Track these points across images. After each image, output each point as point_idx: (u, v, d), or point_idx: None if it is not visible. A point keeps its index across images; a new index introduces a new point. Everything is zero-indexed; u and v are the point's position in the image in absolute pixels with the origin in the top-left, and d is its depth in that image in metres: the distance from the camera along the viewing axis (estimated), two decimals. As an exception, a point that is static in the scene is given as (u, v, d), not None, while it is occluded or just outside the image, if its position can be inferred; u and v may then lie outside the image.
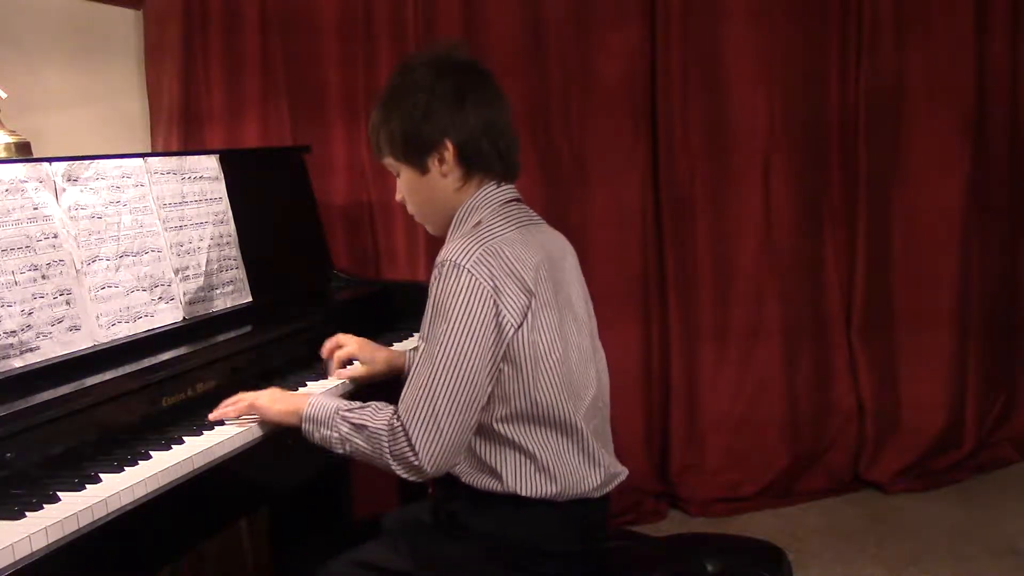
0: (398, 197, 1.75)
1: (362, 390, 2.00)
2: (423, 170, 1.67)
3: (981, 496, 3.27)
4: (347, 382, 2.01)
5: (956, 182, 3.34)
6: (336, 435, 1.61)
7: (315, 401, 1.65)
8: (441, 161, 1.65)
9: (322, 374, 2.05)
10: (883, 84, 3.28)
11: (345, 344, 2.01)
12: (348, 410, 1.61)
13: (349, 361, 2.05)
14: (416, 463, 1.54)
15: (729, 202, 3.26)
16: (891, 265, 3.38)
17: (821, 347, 3.37)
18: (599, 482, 1.67)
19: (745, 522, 3.18)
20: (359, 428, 1.59)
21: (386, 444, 1.55)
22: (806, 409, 3.37)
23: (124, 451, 1.58)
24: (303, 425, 1.65)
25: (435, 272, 1.58)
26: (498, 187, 1.68)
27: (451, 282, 1.54)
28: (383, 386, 2.02)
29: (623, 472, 1.74)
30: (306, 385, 1.98)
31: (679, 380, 3.30)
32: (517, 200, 1.71)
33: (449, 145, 1.63)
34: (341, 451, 1.62)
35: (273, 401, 1.71)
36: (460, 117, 1.62)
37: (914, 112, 3.31)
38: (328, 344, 2.02)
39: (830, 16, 3.25)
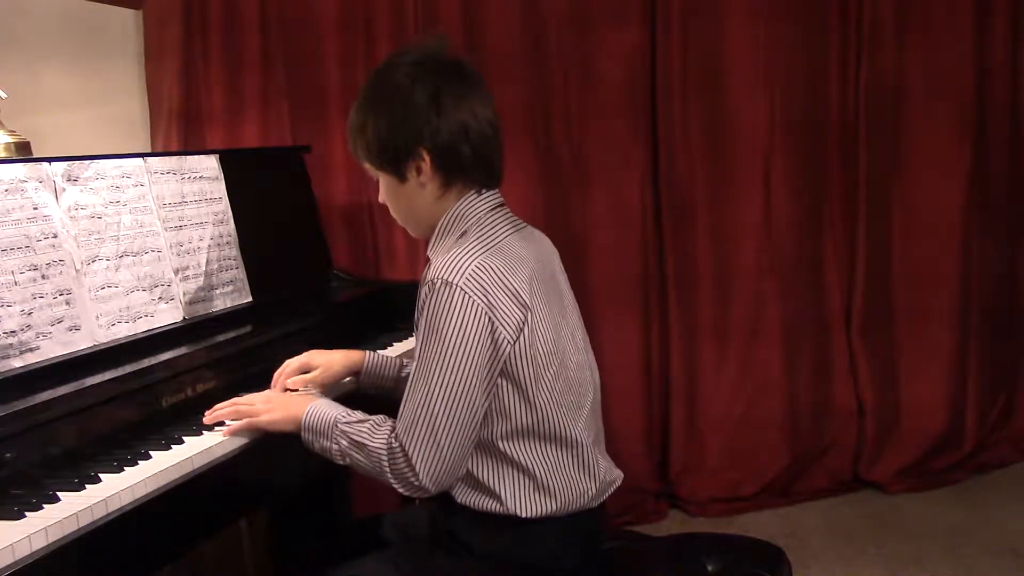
0: (381, 199, 1.71)
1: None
2: (401, 179, 1.62)
3: (981, 496, 3.27)
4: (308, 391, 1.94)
5: (956, 182, 3.34)
6: (336, 448, 1.60)
7: (314, 410, 1.63)
8: (419, 171, 1.60)
9: None
10: (883, 84, 3.28)
11: (291, 362, 1.88)
12: (347, 423, 1.59)
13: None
14: (416, 482, 1.53)
15: (729, 202, 3.26)
16: (891, 265, 3.38)
17: (821, 347, 3.37)
18: (595, 492, 1.66)
19: (745, 522, 3.18)
20: (359, 445, 1.57)
21: (386, 464, 1.54)
22: (806, 409, 3.37)
23: (124, 451, 1.58)
24: (303, 434, 1.63)
25: (425, 289, 1.53)
26: (479, 195, 1.63)
27: (443, 301, 1.50)
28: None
29: (619, 477, 1.73)
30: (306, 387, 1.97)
31: (679, 380, 3.30)
32: (501, 206, 1.66)
33: (425, 155, 1.58)
34: (341, 463, 1.61)
35: (269, 409, 1.67)
36: (436, 124, 1.56)
37: (914, 112, 3.30)
38: (279, 376, 1.88)
39: (830, 16, 3.25)
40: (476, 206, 1.62)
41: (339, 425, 1.60)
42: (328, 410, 1.63)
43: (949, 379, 3.41)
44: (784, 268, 3.30)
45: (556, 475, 1.60)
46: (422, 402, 1.51)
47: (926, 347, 3.39)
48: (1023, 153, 3.45)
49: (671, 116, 3.21)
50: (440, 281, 1.51)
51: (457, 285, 1.50)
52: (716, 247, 3.27)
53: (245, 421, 1.68)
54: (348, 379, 1.95)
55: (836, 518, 3.18)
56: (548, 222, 2.99)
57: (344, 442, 1.59)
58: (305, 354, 1.90)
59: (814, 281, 3.35)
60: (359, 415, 1.61)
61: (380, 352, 2.01)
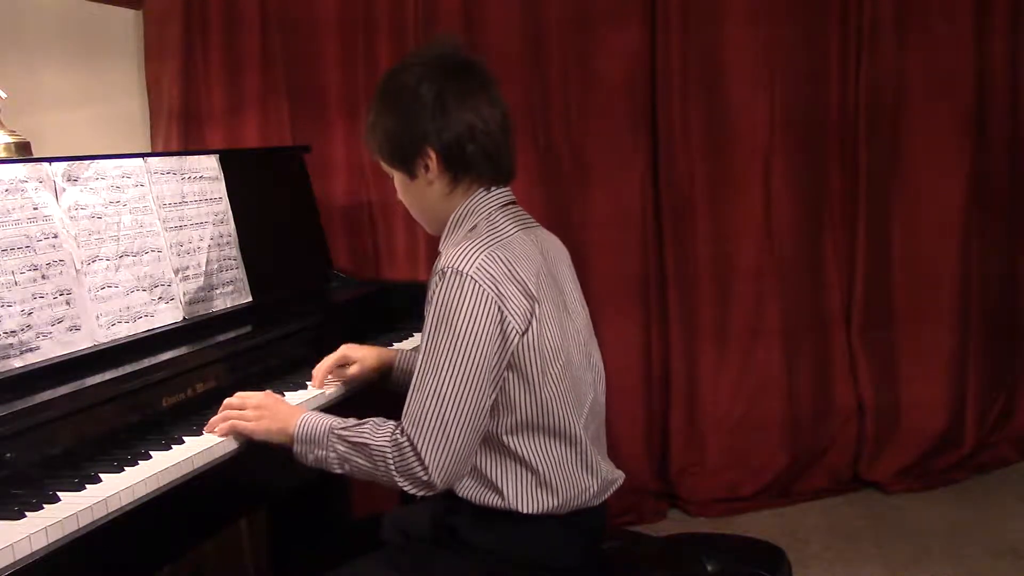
0: (399, 196, 1.74)
1: (355, 395, 1.99)
2: (412, 175, 1.65)
3: (981, 496, 3.27)
4: (341, 386, 1.98)
5: (956, 182, 3.34)
6: (333, 455, 1.57)
7: (306, 420, 1.60)
8: (427, 168, 1.62)
9: None
10: (883, 84, 3.28)
11: (330, 357, 1.95)
12: (344, 428, 1.57)
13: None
14: (425, 477, 1.51)
15: (729, 202, 3.26)
16: (891, 265, 3.38)
17: (821, 347, 3.37)
18: (597, 490, 1.66)
19: (745, 522, 3.18)
20: (359, 447, 1.55)
21: (392, 460, 1.51)
22: (806, 409, 3.37)
23: (124, 451, 1.58)
24: (295, 447, 1.60)
25: (435, 279, 1.54)
26: (488, 192, 1.64)
27: (454, 289, 1.51)
28: (373, 396, 2.01)
29: (620, 477, 1.73)
30: (305, 387, 1.97)
31: (679, 380, 3.30)
32: (512, 203, 1.68)
33: (432, 153, 1.60)
34: (339, 471, 1.58)
35: (259, 417, 1.65)
36: (442, 123, 1.58)
37: (914, 112, 3.30)
38: (320, 370, 1.95)
39: (830, 16, 3.25)
40: (485, 203, 1.64)
41: (335, 431, 1.57)
42: (320, 419, 1.60)
43: (949, 379, 3.41)
44: (784, 268, 3.30)
45: (558, 471, 1.60)
46: (431, 392, 1.50)
47: (926, 347, 3.39)
48: (1023, 153, 3.46)
49: (671, 116, 3.21)
50: (451, 270, 1.52)
51: (468, 274, 1.51)
52: (716, 247, 3.27)
53: (231, 425, 1.66)
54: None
55: (836, 518, 3.18)
56: (548, 222, 2.94)
57: (342, 448, 1.56)
58: (341, 348, 1.96)
59: (814, 281, 3.35)
60: (354, 420, 1.59)
61: (405, 350, 2.03)
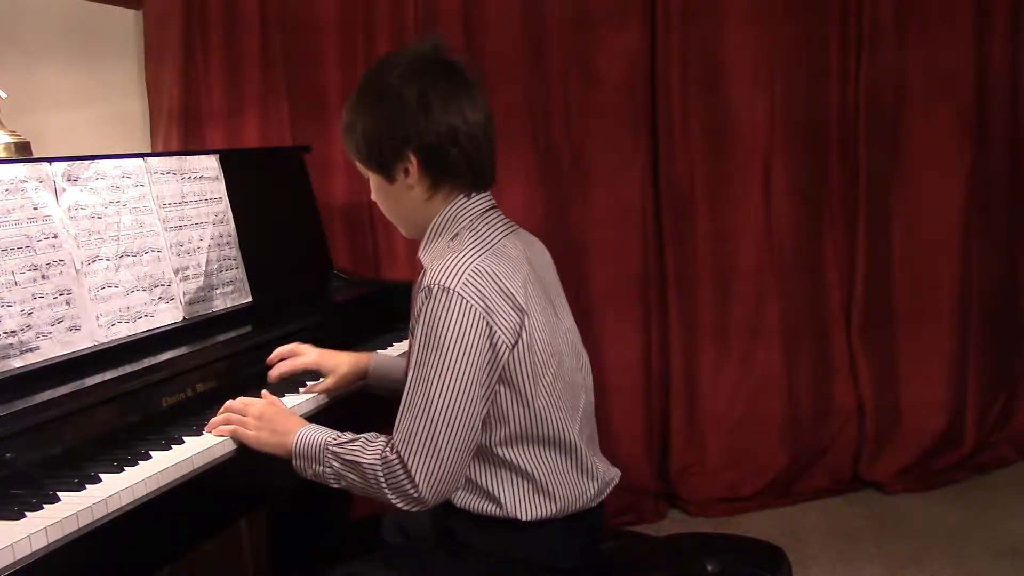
0: (373, 197, 1.70)
1: (351, 396, 1.99)
2: (390, 179, 1.61)
3: (981, 496, 3.27)
4: (315, 398, 1.94)
5: (956, 182, 3.34)
6: (329, 470, 1.56)
7: (302, 436, 1.59)
8: (407, 172, 1.58)
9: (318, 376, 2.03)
10: (883, 84, 3.28)
11: (302, 353, 1.92)
12: (338, 444, 1.56)
13: (315, 376, 1.96)
14: (415, 494, 1.49)
15: (729, 202, 3.26)
16: (891, 265, 3.38)
17: (821, 347, 3.37)
18: (595, 492, 1.65)
19: (745, 522, 3.18)
20: (352, 465, 1.54)
21: (383, 478, 1.50)
22: (806, 409, 3.37)
23: (124, 451, 1.58)
24: (294, 461, 1.60)
25: (422, 296, 1.51)
26: (469, 198, 1.61)
27: (441, 307, 1.48)
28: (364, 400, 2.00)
29: (616, 476, 1.72)
30: (305, 385, 1.97)
31: (679, 380, 3.30)
32: (493, 208, 1.64)
33: (412, 157, 1.57)
34: (336, 486, 1.58)
35: (259, 427, 1.64)
36: (424, 126, 1.54)
37: (914, 112, 3.31)
38: (280, 351, 1.92)
39: (830, 16, 3.26)
40: (467, 209, 1.61)
41: (330, 447, 1.56)
42: (317, 434, 1.59)
43: (949, 379, 3.41)
44: (784, 268, 3.30)
45: (555, 477, 1.60)
46: (421, 411, 1.48)
47: (926, 347, 3.39)
48: (1023, 153, 3.46)
49: (671, 116, 3.21)
50: (437, 287, 1.49)
51: (454, 291, 1.48)
52: (716, 247, 3.27)
53: (232, 429, 1.66)
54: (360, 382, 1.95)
55: (836, 518, 3.18)
56: (548, 222, 2.99)
57: (336, 464, 1.55)
58: (314, 354, 1.91)
59: (814, 281, 3.35)
60: (349, 435, 1.58)
61: (382, 352, 2.01)
